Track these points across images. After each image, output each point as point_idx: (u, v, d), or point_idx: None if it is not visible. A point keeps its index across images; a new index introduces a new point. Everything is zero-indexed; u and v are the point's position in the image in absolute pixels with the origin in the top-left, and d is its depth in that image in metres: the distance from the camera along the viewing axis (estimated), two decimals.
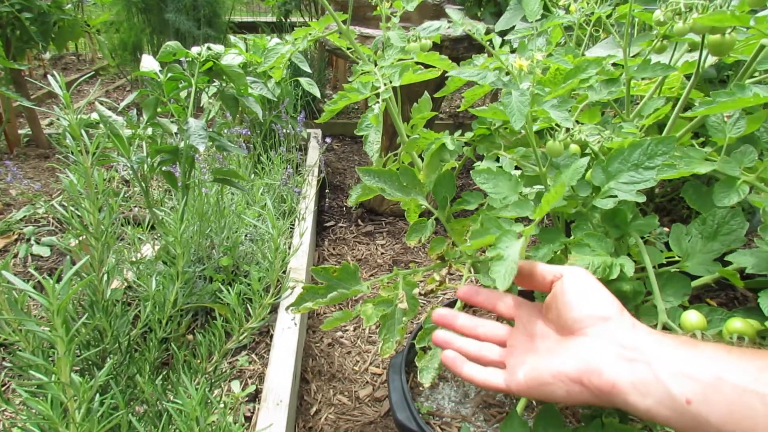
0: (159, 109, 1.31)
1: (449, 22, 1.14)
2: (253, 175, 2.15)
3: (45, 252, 1.87)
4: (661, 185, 1.57)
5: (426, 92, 1.11)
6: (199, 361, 0.86)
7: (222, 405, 1.12)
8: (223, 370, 1.36)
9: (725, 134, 0.84)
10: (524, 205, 0.81)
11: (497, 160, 1.00)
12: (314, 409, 1.38)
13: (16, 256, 1.84)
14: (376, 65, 1.05)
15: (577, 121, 0.97)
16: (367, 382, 1.47)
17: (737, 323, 0.70)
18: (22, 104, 2.18)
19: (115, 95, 3.99)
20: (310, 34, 1.12)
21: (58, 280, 0.57)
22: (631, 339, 0.56)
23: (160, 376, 0.84)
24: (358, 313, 0.97)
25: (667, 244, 0.86)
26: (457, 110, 1.67)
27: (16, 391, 0.63)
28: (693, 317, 0.73)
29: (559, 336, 0.63)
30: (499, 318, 0.84)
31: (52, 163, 2.61)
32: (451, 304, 0.98)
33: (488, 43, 1.09)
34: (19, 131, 2.80)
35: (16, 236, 1.94)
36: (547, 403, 0.78)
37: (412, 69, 1.01)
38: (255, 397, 1.32)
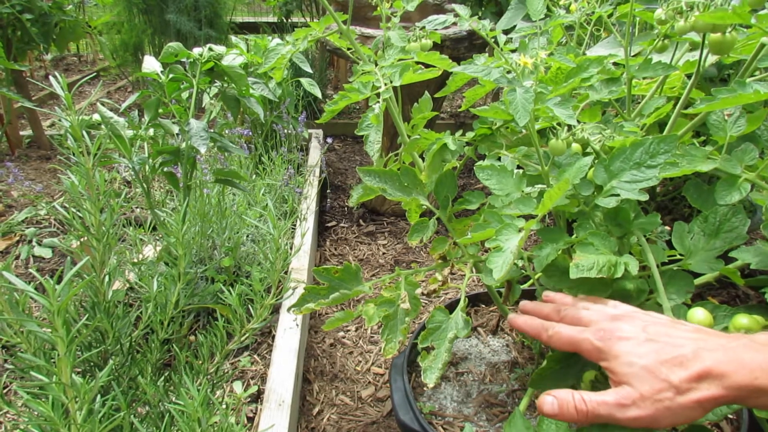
0: (160, 110, 1.31)
1: (455, 16, 1.13)
2: (254, 176, 2.15)
3: (47, 253, 1.87)
4: (662, 184, 1.57)
5: (427, 92, 1.10)
6: (200, 362, 0.86)
7: (224, 406, 1.12)
8: (225, 370, 1.37)
9: (726, 133, 0.84)
10: (527, 202, 0.81)
11: (498, 160, 1.00)
12: (316, 409, 1.38)
13: (17, 257, 1.84)
14: (376, 65, 1.05)
15: (579, 121, 0.97)
16: (370, 382, 1.47)
17: (743, 319, 0.70)
18: (23, 105, 2.18)
19: (116, 96, 4.00)
20: (310, 34, 1.11)
21: (59, 281, 0.57)
22: None
23: (162, 377, 0.84)
24: (360, 313, 0.97)
25: (668, 243, 0.86)
26: (459, 110, 1.67)
27: (18, 393, 0.63)
28: (700, 314, 0.73)
29: None
30: None
31: (53, 164, 2.61)
32: (453, 304, 0.97)
33: (492, 40, 1.09)
34: (21, 132, 2.80)
35: (17, 238, 1.95)
36: None
37: (412, 68, 1.01)
38: (257, 397, 1.32)
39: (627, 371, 0.59)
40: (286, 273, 0.88)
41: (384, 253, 2.14)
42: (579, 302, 0.74)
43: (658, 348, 0.59)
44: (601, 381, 0.78)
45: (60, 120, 0.82)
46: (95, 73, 4.36)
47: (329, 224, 2.36)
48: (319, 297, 0.96)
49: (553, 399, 0.63)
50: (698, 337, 0.60)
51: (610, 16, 1.11)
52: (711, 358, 0.56)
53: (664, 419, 0.56)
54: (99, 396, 0.66)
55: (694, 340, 0.59)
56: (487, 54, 1.07)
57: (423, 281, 1.03)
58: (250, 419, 1.25)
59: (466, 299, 0.94)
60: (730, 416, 1.00)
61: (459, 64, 0.93)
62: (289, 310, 0.96)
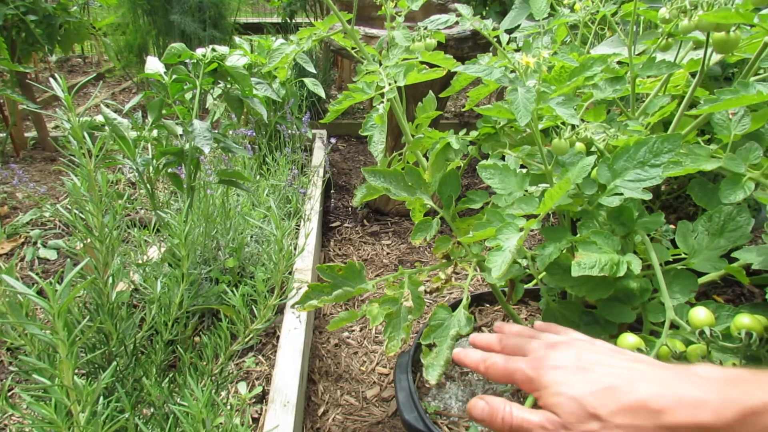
0: (164, 111, 1.31)
1: (457, 15, 1.13)
2: (258, 177, 2.15)
3: (52, 255, 1.87)
4: (667, 182, 1.56)
5: (431, 91, 1.10)
6: (205, 363, 0.86)
7: (229, 407, 1.12)
8: (230, 371, 1.37)
9: (730, 131, 0.84)
10: (530, 202, 0.81)
11: (502, 159, 1.00)
12: (321, 409, 1.38)
13: (22, 259, 1.84)
14: (380, 65, 1.05)
15: (583, 119, 0.97)
16: (374, 382, 1.47)
17: (745, 319, 0.70)
18: (27, 107, 2.19)
19: (121, 97, 4.00)
20: (314, 34, 1.12)
21: (60, 283, 0.57)
22: None
23: (167, 379, 0.84)
24: (364, 312, 0.97)
25: (673, 242, 0.86)
26: (463, 109, 1.67)
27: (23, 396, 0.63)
28: (701, 314, 0.73)
29: None
30: None
31: (58, 166, 2.62)
32: (456, 304, 0.97)
33: (495, 39, 1.09)
34: (26, 134, 2.81)
35: (22, 239, 1.95)
36: None
37: (416, 69, 1.01)
38: (262, 398, 1.32)
39: (554, 401, 0.55)
40: (290, 273, 0.89)
41: (388, 253, 2.14)
42: (527, 332, 0.71)
43: (590, 378, 0.55)
44: None
45: (63, 122, 0.82)
46: (96, 75, 4.37)
47: (333, 224, 2.36)
48: (322, 294, 0.96)
49: (485, 404, 0.61)
50: (636, 367, 0.56)
51: (614, 15, 1.11)
52: (647, 390, 0.51)
53: None
54: (102, 398, 0.66)
55: (631, 369, 0.55)
56: (491, 53, 1.07)
57: (427, 280, 1.02)
58: (255, 420, 1.26)
59: (470, 298, 0.94)
60: None
61: (463, 64, 0.93)
62: (292, 307, 0.96)
